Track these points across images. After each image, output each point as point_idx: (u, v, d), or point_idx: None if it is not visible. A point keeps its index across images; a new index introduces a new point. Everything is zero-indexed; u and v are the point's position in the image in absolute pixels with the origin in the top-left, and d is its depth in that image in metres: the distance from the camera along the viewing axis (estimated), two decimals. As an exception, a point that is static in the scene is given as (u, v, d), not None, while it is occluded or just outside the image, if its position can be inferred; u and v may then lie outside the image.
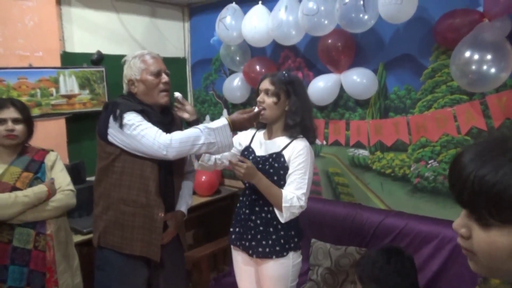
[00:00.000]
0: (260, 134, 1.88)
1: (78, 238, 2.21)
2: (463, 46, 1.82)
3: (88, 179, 2.55)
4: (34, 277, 1.80)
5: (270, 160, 1.74)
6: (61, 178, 1.92)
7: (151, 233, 1.73)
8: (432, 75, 2.15)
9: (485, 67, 1.76)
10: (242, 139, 1.92)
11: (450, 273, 1.95)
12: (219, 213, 3.17)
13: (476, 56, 1.76)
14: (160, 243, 1.75)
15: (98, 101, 2.75)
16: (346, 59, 2.36)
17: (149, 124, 1.66)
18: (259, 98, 1.75)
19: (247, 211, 1.80)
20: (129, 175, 1.70)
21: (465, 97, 2.06)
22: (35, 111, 2.42)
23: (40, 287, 1.82)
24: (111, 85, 2.78)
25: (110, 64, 2.79)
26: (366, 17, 2.06)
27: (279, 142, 1.77)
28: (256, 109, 1.71)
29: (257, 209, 1.76)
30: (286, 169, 1.71)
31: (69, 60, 2.66)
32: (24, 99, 2.31)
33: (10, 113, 1.79)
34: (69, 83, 2.62)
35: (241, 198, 1.88)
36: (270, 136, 1.82)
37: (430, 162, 2.22)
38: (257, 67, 2.73)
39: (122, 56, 1.86)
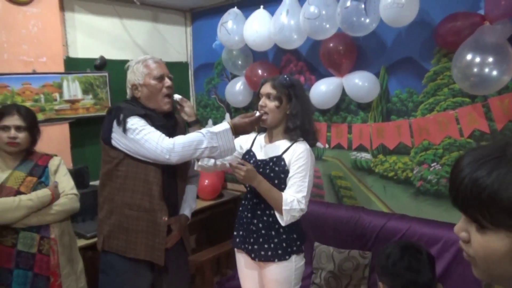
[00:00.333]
0: (261, 137, 1.88)
1: (82, 242, 2.21)
2: (464, 49, 1.82)
3: (91, 183, 2.56)
4: (38, 281, 1.80)
5: (271, 163, 1.74)
6: (65, 182, 1.92)
7: (155, 237, 1.74)
8: (434, 78, 2.16)
9: (486, 70, 1.76)
10: (243, 142, 1.93)
11: (454, 276, 1.94)
12: (222, 217, 3.17)
13: (477, 59, 1.77)
14: (164, 247, 1.76)
15: (101, 106, 2.77)
16: (348, 62, 2.36)
17: (152, 129, 1.66)
18: (261, 103, 1.75)
19: (249, 214, 1.80)
20: (132, 179, 1.71)
21: (467, 100, 2.06)
22: (39, 116, 2.42)
23: (44, 291, 1.82)
24: (114, 90, 2.80)
25: (113, 69, 2.81)
26: (367, 20, 2.07)
27: (280, 145, 1.77)
28: (258, 113, 1.71)
29: (258, 212, 1.76)
30: (286, 172, 1.71)
31: (73, 65, 2.68)
32: (28, 104, 2.33)
33: (14, 120, 1.80)
34: (72, 88, 2.64)
35: (243, 202, 1.88)
36: (270, 139, 1.83)
37: (432, 165, 2.22)
38: (259, 71, 2.74)
39: (125, 61, 1.88)
